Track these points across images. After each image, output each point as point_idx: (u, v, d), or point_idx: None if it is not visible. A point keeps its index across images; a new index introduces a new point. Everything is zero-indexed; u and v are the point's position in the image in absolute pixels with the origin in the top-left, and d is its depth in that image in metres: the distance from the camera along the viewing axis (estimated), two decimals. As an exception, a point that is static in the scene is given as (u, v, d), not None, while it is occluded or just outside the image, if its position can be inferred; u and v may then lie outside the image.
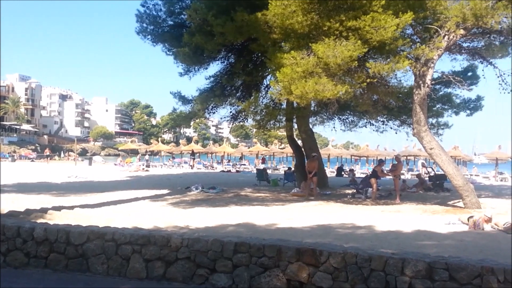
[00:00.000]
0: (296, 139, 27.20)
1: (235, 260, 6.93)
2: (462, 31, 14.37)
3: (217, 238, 7.14)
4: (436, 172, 25.42)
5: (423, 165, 38.81)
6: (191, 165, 52.63)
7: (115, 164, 54.59)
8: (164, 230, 9.31)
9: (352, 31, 13.66)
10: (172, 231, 8.98)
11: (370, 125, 25.19)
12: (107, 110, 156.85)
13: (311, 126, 25.57)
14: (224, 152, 61.76)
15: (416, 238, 11.09)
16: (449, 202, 18.51)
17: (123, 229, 8.24)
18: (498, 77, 16.52)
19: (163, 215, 13.65)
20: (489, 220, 13.26)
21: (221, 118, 25.86)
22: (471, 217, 13.28)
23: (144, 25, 20.68)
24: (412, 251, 7.12)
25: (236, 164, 54.03)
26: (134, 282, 7.52)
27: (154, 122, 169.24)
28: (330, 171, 42.47)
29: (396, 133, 24.75)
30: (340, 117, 25.66)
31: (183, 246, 7.26)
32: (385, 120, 24.19)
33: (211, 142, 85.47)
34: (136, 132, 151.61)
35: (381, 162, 21.76)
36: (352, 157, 59.18)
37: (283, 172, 30.65)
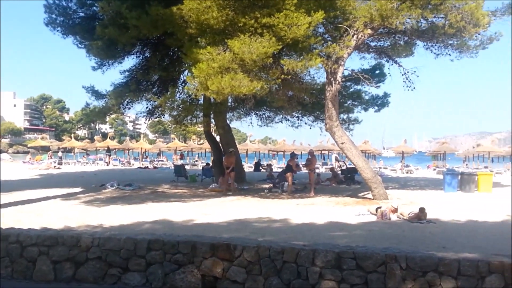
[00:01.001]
0: (214, 134, 27.21)
1: (148, 258, 6.84)
2: (369, 31, 15.08)
3: (130, 236, 7.01)
4: (348, 166, 26.43)
5: (336, 159, 40.21)
6: (106, 162, 50.93)
7: (24, 162, 51.60)
8: (75, 230, 8.98)
9: (267, 28, 13.88)
10: (83, 230, 8.68)
11: (286, 120, 25.81)
12: (15, 105, 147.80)
13: (228, 121, 25.71)
14: (141, 148, 60.36)
15: (329, 229, 11.48)
16: (359, 194, 19.36)
17: (29, 230, 7.85)
18: (402, 75, 17.53)
19: (75, 215, 13.12)
20: (395, 210, 14.03)
21: (137, 114, 25.21)
22: (379, 207, 13.98)
23: (53, 16, 19.69)
24: (324, 242, 7.39)
25: (154, 160, 53.04)
26: (41, 284, 7.21)
27: (67, 118, 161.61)
28: (248, 166, 42.86)
29: (310, 128, 25.56)
30: (257, 112, 26.02)
31: (94, 246, 7.05)
32: (300, 115, 24.86)
33: (127, 138, 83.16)
34: (48, 128, 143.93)
35: (293, 156, 22.21)
36: (270, 152, 60.06)
37: (201, 168, 30.55)
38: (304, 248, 6.28)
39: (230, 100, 22.84)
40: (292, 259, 6.28)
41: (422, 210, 13.48)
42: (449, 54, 16.93)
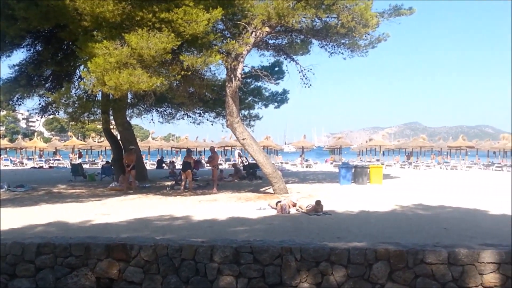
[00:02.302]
0: (115, 132, 26.33)
1: (38, 263, 6.47)
2: (267, 29, 15.39)
3: (17, 241, 6.59)
4: (250, 162, 26.81)
5: (239, 155, 40.65)
6: (-5, 163, 47.39)
7: None
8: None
9: (166, 23, 13.65)
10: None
11: (188, 117, 25.60)
12: None
13: (128, 118, 25.02)
14: (35, 147, 56.91)
15: (230, 225, 11.56)
16: (261, 189, 19.72)
17: None
18: (299, 72, 18.11)
19: (-44, 221, 12.07)
20: (294, 205, 14.50)
21: (28, 110, 23.72)
22: (279, 201, 14.34)
23: None
24: (225, 238, 7.43)
25: (50, 160, 50.25)
26: None
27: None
28: (151, 164, 42.06)
29: (212, 124, 25.58)
30: (158, 109, 25.57)
31: (-25, 254, 6.54)
32: (201, 112, 24.78)
33: (20, 136, 77.96)
34: None
35: (189, 152, 22.09)
36: (173, 149, 59.39)
37: (101, 167, 29.48)
38: (202, 244, 6.28)
39: (129, 97, 22.20)
40: (191, 256, 6.25)
41: (318, 203, 14.01)
42: (342, 53, 17.83)
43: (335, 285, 6.02)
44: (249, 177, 24.70)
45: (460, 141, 47.86)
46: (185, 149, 52.03)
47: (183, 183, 19.41)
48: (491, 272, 6.03)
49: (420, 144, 48.54)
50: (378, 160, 46.01)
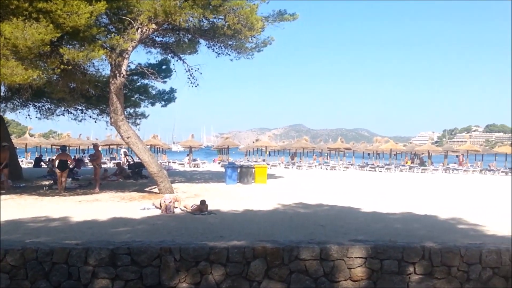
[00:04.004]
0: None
1: None
2: (154, 26, 15.12)
3: None
4: (136, 161, 26.19)
5: (125, 154, 39.43)
6: None
7: None
8: None
9: (44, 14, 12.85)
10: None
11: (68, 113, 24.26)
12: None
13: (1, 113, 23.18)
14: None
15: (112, 226, 11.22)
16: (146, 189, 19.36)
17: None
18: (187, 71, 18.04)
19: None
20: (177, 199, 14.53)
21: None
22: (164, 201, 14.24)
23: None
24: (104, 239, 7.16)
25: None
26: None
27: None
28: (28, 162, 39.38)
29: (95, 122, 24.49)
30: (36, 104, 23.94)
31: None
32: (83, 108, 23.64)
33: None
34: None
35: (63, 150, 21.05)
36: (54, 146, 55.99)
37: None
38: (76, 247, 6.00)
39: (3, 89, 20.58)
40: (63, 260, 5.94)
41: (203, 202, 14.09)
42: (229, 54, 18.07)
43: (214, 284, 6.08)
44: (134, 176, 24.13)
45: (339, 143, 50.66)
46: (67, 147, 49.72)
47: (61, 182, 18.40)
48: (359, 266, 6.47)
49: (303, 145, 50.55)
50: (264, 160, 47.20)
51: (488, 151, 55.69)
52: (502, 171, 43.54)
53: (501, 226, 11.84)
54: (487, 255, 6.74)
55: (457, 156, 52.29)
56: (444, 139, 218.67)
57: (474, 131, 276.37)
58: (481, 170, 43.92)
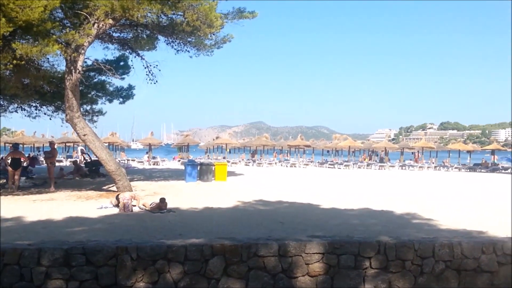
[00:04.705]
0: None
1: None
2: (111, 21, 14.80)
3: None
4: (93, 159, 25.71)
5: (82, 152, 38.66)
6: None
7: None
8: None
9: (-5, 7, 12.40)
10: None
11: (22, 110, 23.49)
12: None
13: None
14: None
15: (67, 226, 10.98)
16: (103, 187, 19.03)
17: None
18: (145, 68, 17.79)
19: None
20: (135, 196, 14.38)
21: None
22: (118, 195, 14.12)
23: None
24: (59, 239, 6.98)
25: None
26: None
27: None
28: (-21, 161, 37.95)
29: (50, 119, 23.81)
30: (-13, 100, 23.10)
31: None
32: (38, 105, 22.95)
33: None
34: None
35: (16, 147, 20.44)
36: (7, 144, 54.17)
37: None
38: (29, 247, 5.82)
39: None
40: (14, 261, 5.75)
41: (162, 200, 13.97)
42: (188, 51, 17.94)
43: (171, 283, 6.03)
44: (91, 174, 23.67)
45: (299, 140, 51.20)
46: (21, 145, 48.21)
47: (14, 181, 17.84)
48: (316, 261, 6.55)
49: (263, 142, 50.81)
50: (224, 158, 47.14)
51: (442, 148, 57.51)
52: (456, 167, 45.02)
53: (454, 220, 12.24)
54: (440, 248, 6.94)
55: (412, 153, 53.74)
56: (400, 136, 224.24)
57: (429, 128, 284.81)
58: (435, 166, 45.29)
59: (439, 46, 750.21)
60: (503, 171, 43.02)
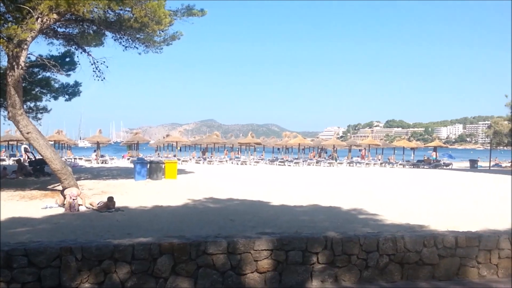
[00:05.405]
0: None
1: None
2: (55, 16, 14.34)
3: None
4: (37, 157, 24.92)
5: (26, 150, 37.35)
6: None
7: None
8: None
9: None
10: None
11: (-40, 107, 22.46)
12: None
13: None
14: None
15: (10, 226, 10.67)
16: (49, 186, 18.54)
17: None
18: (92, 64, 17.37)
19: None
20: (79, 194, 14.11)
21: None
22: (63, 190, 13.84)
23: None
24: (3, 240, 6.75)
25: None
26: None
27: None
28: None
29: (-9, 116, 22.86)
30: None
31: None
32: (-23, 102, 22.00)
33: None
34: None
35: None
36: None
37: None
38: (-33, 250, 5.58)
39: None
40: (-49, 265, 5.51)
41: (110, 199, 13.76)
42: (137, 48, 17.66)
43: (118, 283, 5.93)
44: (35, 173, 22.91)
45: (249, 138, 51.39)
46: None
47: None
48: (265, 258, 6.62)
49: (214, 140, 50.67)
50: (175, 156, 46.74)
51: (388, 145, 59.28)
52: (400, 164, 46.51)
53: (398, 215, 12.68)
54: (384, 243, 7.16)
55: (360, 150, 55.02)
56: (348, 134, 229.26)
57: (376, 126, 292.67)
58: (381, 163, 46.63)
59: (385, 48, 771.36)
60: (445, 167, 44.82)
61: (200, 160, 46.25)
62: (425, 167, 44.32)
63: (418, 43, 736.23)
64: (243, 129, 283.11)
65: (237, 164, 43.84)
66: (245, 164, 43.79)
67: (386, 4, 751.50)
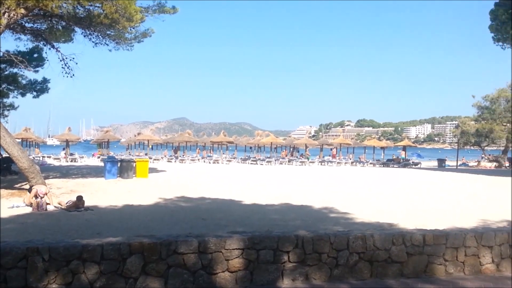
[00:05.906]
0: None
1: None
2: (23, 11, 14.02)
3: None
4: (4, 155, 24.32)
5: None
6: None
7: None
8: None
9: None
10: None
11: None
12: None
13: None
14: None
15: (-26, 227, 10.37)
16: (16, 185, 18.12)
17: None
18: (61, 61, 17.04)
19: None
20: (47, 193, 13.85)
21: None
22: (38, 193, 13.53)
23: None
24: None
25: None
26: None
27: None
28: None
29: None
30: None
31: None
32: None
33: None
34: None
35: None
36: None
37: None
38: None
39: None
40: None
41: (79, 198, 13.55)
42: (107, 44, 17.40)
43: (86, 283, 5.84)
44: (2, 172, 22.33)
45: (222, 136, 51.23)
46: None
47: None
48: (236, 257, 6.62)
49: (186, 139, 50.40)
50: (146, 154, 46.27)
51: (359, 144, 59.87)
52: (370, 163, 47.12)
53: (368, 213, 12.84)
54: (354, 241, 7.24)
55: (331, 149, 55.46)
56: (320, 133, 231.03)
57: (347, 125, 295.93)
58: (352, 162, 47.14)
59: (355, 50, 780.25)
60: (413, 166, 45.60)
61: (172, 158, 45.90)
62: (394, 166, 44.98)
63: (388, 45, 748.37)
64: (216, 128, 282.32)
65: (209, 162, 43.69)
66: (218, 162, 43.68)
67: (352, 6, 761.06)
